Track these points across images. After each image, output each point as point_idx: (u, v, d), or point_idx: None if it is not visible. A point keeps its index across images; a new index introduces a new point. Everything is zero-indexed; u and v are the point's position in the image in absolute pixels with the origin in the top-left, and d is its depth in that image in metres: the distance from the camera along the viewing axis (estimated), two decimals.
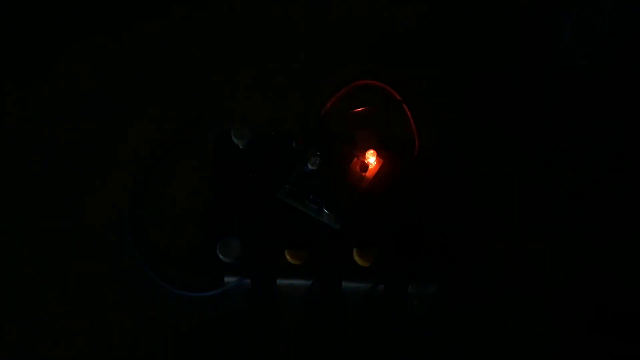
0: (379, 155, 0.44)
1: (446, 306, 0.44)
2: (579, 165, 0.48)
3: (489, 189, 0.48)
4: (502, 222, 0.47)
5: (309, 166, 0.43)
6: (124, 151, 0.50)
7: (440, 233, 0.42)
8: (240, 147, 0.45)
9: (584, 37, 0.52)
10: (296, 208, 0.42)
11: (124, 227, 0.46)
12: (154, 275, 0.44)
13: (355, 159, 0.44)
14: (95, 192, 0.48)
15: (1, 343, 0.43)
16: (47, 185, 0.48)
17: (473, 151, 0.48)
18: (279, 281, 0.41)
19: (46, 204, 0.47)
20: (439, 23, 0.56)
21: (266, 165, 0.44)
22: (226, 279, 0.41)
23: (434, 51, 0.55)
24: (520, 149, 0.49)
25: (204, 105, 0.52)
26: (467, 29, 0.56)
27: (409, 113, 0.44)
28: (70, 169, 0.49)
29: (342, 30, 0.55)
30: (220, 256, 0.41)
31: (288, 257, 0.41)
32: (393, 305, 0.43)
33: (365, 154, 0.43)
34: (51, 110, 0.51)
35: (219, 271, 0.41)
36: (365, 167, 0.43)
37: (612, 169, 0.48)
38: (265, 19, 0.56)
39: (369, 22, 0.56)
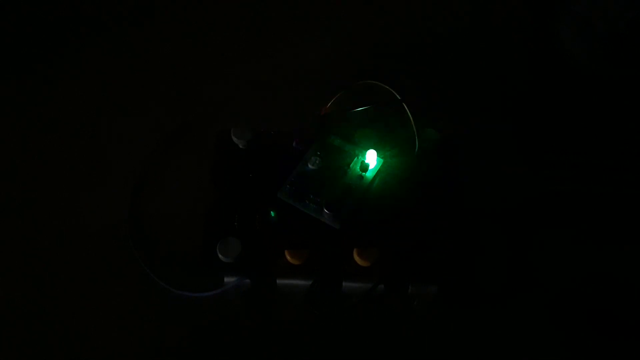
0: (379, 155, 0.43)
1: (446, 307, 0.44)
2: (579, 165, 0.48)
3: (489, 189, 0.48)
4: (503, 222, 0.47)
5: (309, 166, 0.43)
6: (124, 151, 0.50)
7: (440, 233, 0.42)
8: (240, 147, 0.45)
9: (584, 37, 0.52)
10: (296, 208, 0.42)
11: (123, 227, 0.46)
12: (154, 275, 0.44)
13: (356, 158, 0.44)
14: (94, 192, 0.48)
15: (1, 343, 0.43)
16: (46, 185, 0.48)
17: (473, 151, 0.48)
18: (279, 281, 0.41)
19: (45, 204, 0.47)
20: (439, 23, 0.56)
21: (266, 165, 0.44)
22: (226, 279, 0.41)
23: (434, 51, 0.55)
24: (520, 149, 0.49)
25: (203, 105, 0.52)
26: (467, 28, 0.56)
27: (409, 113, 0.44)
28: (69, 169, 0.49)
29: (342, 30, 0.55)
30: (220, 256, 0.41)
31: (288, 257, 0.41)
32: (393, 305, 0.44)
33: (365, 154, 0.43)
34: (51, 109, 0.51)
35: (219, 271, 0.41)
36: (365, 167, 0.43)
37: (613, 169, 0.48)
38: (265, 19, 0.56)
39: (370, 22, 0.56)
